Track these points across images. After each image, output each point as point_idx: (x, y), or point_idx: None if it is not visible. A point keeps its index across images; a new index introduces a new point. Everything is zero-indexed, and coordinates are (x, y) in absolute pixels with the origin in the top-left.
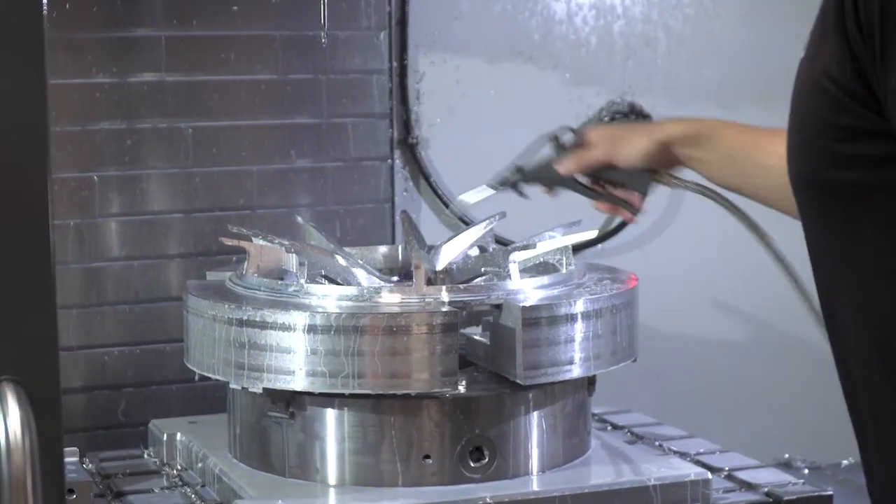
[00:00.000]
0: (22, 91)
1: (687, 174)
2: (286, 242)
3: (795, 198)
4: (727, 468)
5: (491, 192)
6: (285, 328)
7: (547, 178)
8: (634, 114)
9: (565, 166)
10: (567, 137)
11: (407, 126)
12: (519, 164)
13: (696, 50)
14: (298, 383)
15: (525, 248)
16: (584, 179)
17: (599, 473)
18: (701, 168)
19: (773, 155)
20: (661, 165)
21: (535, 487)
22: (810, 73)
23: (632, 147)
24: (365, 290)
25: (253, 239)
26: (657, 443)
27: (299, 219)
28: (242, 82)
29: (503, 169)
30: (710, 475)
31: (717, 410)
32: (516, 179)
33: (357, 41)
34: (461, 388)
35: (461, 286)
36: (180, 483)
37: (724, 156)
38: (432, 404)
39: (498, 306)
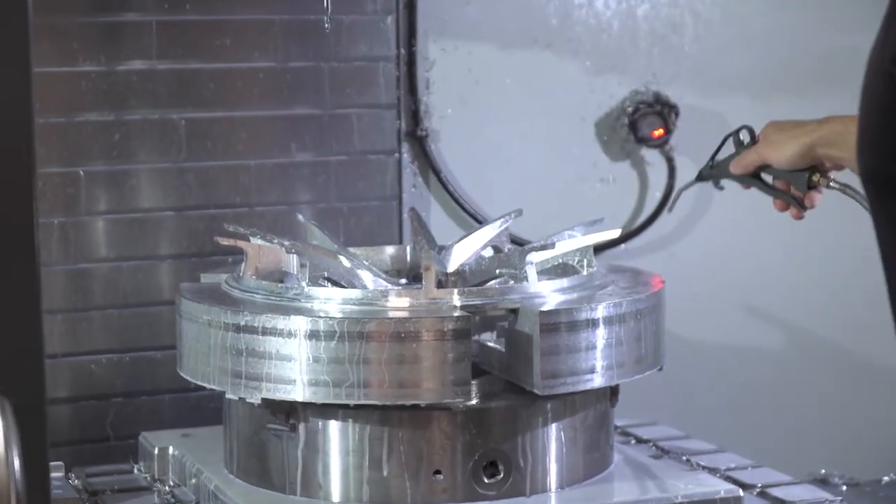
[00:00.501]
0: (4, 81)
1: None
2: (286, 242)
3: (865, 193)
4: (759, 485)
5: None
6: (285, 334)
7: (728, 174)
8: (660, 104)
9: (733, 166)
10: (744, 135)
11: (415, 117)
12: (713, 160)
13: (726, 35)
14: (299, 393)
15: (543, 248)
16: (768, 178)
17: (622, 490)
18: (845, 165)
19: None
20: (815, 166)
21: None
22: (878, 60)
23: (779, 150)
24: (371, 294)
25: (251, 238)
26: (684, 457)
27: (300, 217)
28: (239, 70)
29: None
30: (741, 492)
31: (748, 423)
32: (709, 175)
33: (362, 26)
34: (474, 399)
35: (474, 289)
36: (172, 500)
37: None
38: (443, 416)
39: (514, 311)
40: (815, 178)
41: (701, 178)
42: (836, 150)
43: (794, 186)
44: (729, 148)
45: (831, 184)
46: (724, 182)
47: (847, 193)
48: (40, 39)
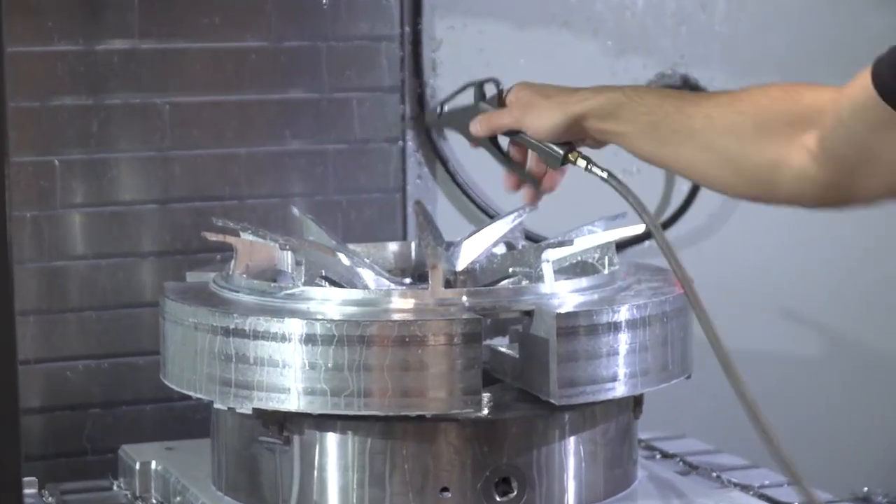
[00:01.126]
0: None
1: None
2: (280, 238)
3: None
4: None
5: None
6: (279, 338)
7: (464, 130)
8: (688, 88)
9: (475, 125)
10: (491, 90)
11: (421, 102)
12: (442, 105)
13: (761, 14)
14: (294, 403)
15: (560, 245)
16: (505, 143)
17: None
18: (619, 141)
19: (699, 116)
20: (575, 140)
21: None
22: None
23: (542, 117)
24: (372, 294)
25: (241, 234)
26: (714, 474)
27: (295, 210)
28: (229, 51)
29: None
30: None
31: (784, 436)
32: (435, 123)
33: (363, 3)
34: (485, 410)
35: (485, 289)
36: None
37: (644, 123)
38: (451, 428)
39: (528, 313)
40: (573, 155)
41: (424, 124)
42: (615, 122)
43: (546, 161)
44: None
45: (592, 167)
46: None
47: (607, 181)
48: (12, 16)
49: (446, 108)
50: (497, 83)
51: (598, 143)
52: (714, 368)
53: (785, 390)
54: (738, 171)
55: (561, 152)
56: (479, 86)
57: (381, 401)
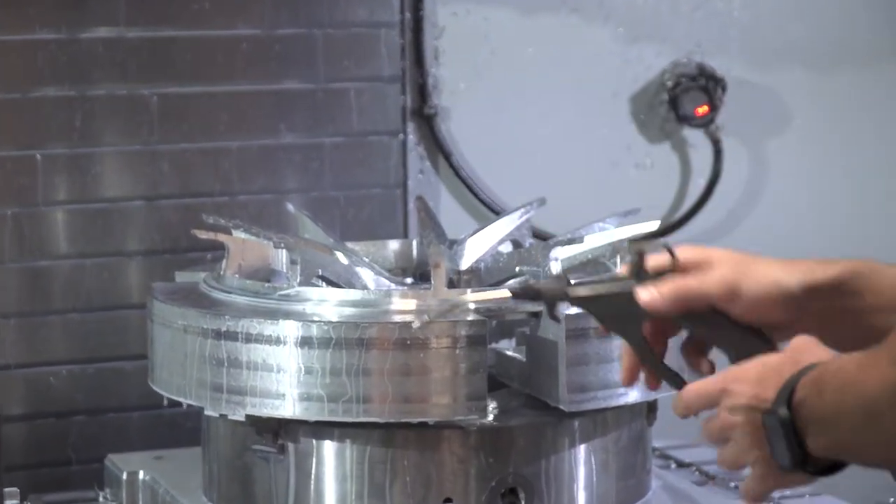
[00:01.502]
0: None
1: None
2: (274, 236)
3: None
4: None
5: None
6: (273, 341)
7: (607, 307)
8: (704, 77)
9: (651, 295)
10: (655, 249)
11: (423, 93)
12: (561, 274)
13: None
14: (289, 409)
15: (570, 242)
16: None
17: None
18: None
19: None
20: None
21: None
22: None
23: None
24: (372, 295)
25: (233, 231)
26: (732, 483)
27: (290, 207)
28: (220, 39)
29: (527, 274)
30: None
31: None
32: (555, 293)
33: None
34: (490, 416)
35: (490, 290)
36: None
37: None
38: (455, 436)
39: (536, 315)
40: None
41: (535, 294)
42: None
43: (733, 353)
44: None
45: None
46: (760, 176)
47: None
48: None
49: (574, 276)
50: (662, 238)
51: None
52: None
53: None
54: None
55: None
56: (638, 244)
57: (380, 407)
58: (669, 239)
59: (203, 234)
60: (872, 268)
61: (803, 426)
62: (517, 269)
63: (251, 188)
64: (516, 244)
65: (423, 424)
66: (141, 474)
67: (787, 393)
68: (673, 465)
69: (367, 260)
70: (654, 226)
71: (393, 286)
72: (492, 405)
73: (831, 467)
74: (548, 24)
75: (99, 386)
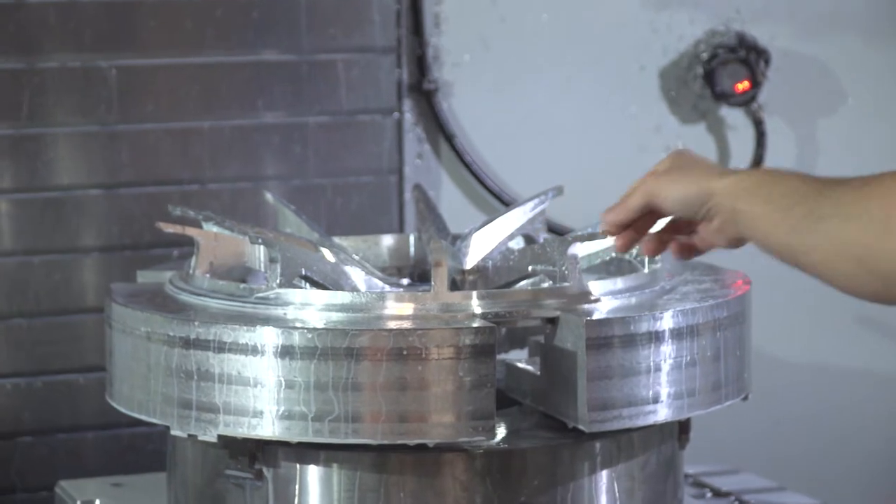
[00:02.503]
0: None
1: None
2: (251, 230)
3: None
4: None
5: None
6: (250, 351)
7: None
8: (745, 49)
9: (604, 216)
10: None
11: (422, 66)
12: None
13: None
14: (268, 429)
15: (591, 237)
16: None
17: None
18: (750, 227)
19: (829, 202)
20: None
21: None
22: None
23: (674, 189)
24: (362, 298)
25: (203, 224)
26: None
27: (269, 196)
28: (189, 3)
29: None
30: None
31: (860, 471)
32: None
33: None
34: (499, 438)
35: (499, 292)
36: None
37: (778, 206)
38: (458, 460)
39: (552, 321)
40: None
41: None
42: (746, 202)
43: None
44: None
45: None
46: (808, 161)
47: None
48: None
49: None
50: None
51: (729, 240)
52: (776, 388)
53: (863, 413)
54: (871, 272)
55: None
56: None
57: (373, 427)
58: None
59: (169, 228)
60: (773, 176)
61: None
62: (530, 268)
63: (224, 175)
64: (529, 240)
65: (422, 447)
66: (97, 503)
67: None
68: (708, 494)
69: (357, 257)
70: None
71: (387, 288)
72: (500, 425)
73: None
74: None
75: (48, 402)
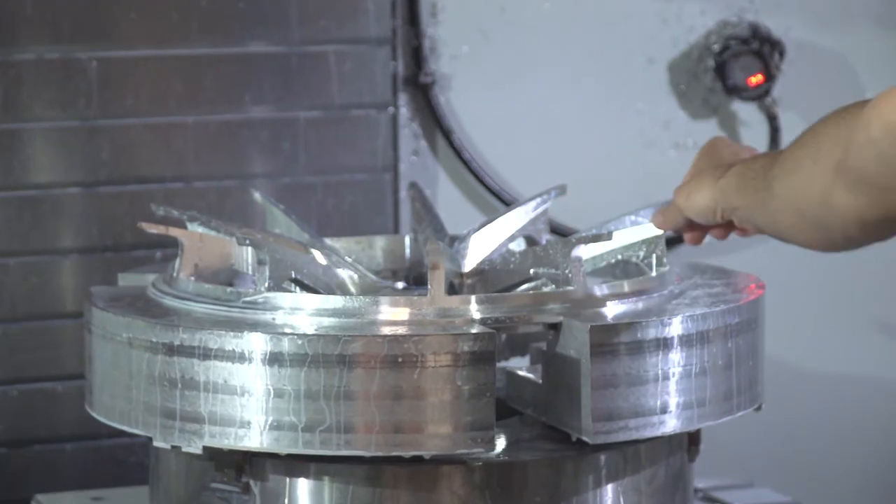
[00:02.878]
0: None
1: None
2: (238, 231)
3: None
4: None
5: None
6: (237, 358)
7: None
8: (758, 40)
9: (655, 218)
10: None
11: (418, 58)
12: None
13: None
14: (256, 440)
15: (596, 239)
16: None
17: None
18: (742, 219)
19: (777, 165)
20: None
21: None
22: None
23: (696, 198)
24: (355, 302)
25: (188, 225)
26: None
27: (257, 195)
28: None
29: None
30: None
31: (881, 487)
32: None
33: None
34: (499, 450)
35: (500, 296)
36: None
37: (750, 190)
38: (456, 473)
39: (555, 326)
40: None
41: None
42: (735, 197)
43: None
44: None
45: None
46: None
47: None
48: None
49: None
50: None
51: (743, 230)
52: (791, 399)
53: (885, 422)
54: (809, 221)
55: None
56: None
57: (366, 438)
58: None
59: (152, 228)
60: (747, 163)
61: None
62: (531, 271)
63: (210, 172)
64: (531, 241)
65: (418, 459)
66: None
67: None
68: None
69: (349, 260)
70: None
71: (381, 291)
72: (500, 436)
73: None
74: None
75: (24, 412)
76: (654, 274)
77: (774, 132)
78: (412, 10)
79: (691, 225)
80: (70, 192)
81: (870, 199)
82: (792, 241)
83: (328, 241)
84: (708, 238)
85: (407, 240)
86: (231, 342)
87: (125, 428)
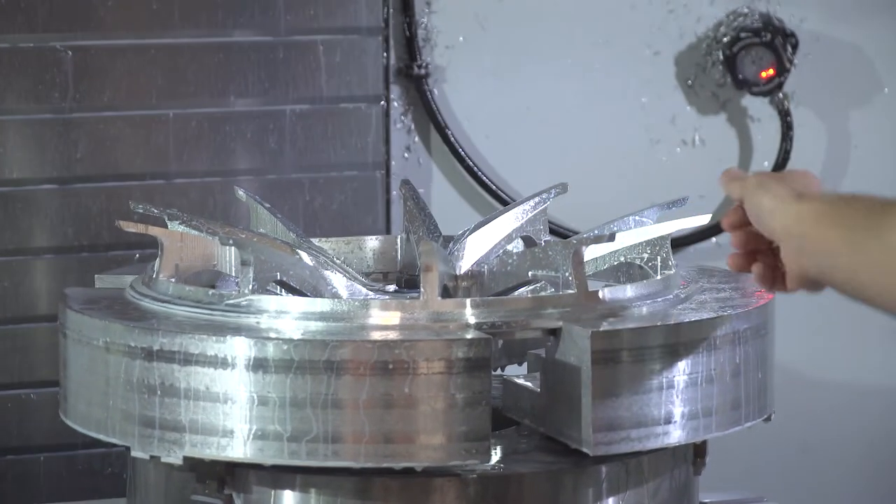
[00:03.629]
0: None
1: None
2: (220, 230)
3: None
4: None
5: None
6: (219, 363)
7: None
8: (770, 32)
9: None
10: None
11: (411, 48)
12: None
13: None
14: (239, 450)
15: (597, 240)
16: None
17: None
18: (822, 269)
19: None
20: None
21: None
22: None
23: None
24: (344, 305)
25: (168, 223)
26: None
27: (241, 193)
28: None
29: None
30: None
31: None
32: None
33: None
34: (494, 461)
35: (496, 300)
36: None
37: (842, 235)
38: (450, 486)
39: (554, 332)
40: None
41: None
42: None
43: None
44: None
45: None
46: (839, 156)
47: None
48: None
49: None
50: None
51: (798, 275)
52: (803, 409)
53: None
54: None
55: None
56: None
57: (355, 448)
58: (723, 239)
59: (130, 227)
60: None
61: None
62: (530, 273)
63: (192, 168)
64: (529, 242)
65: (409, 471)
66: None
67: None
68: None
69: (338, 261)
70: (704, 219)
71: (371, 294)
72: (496, 447)
73: None
74: None
75: None
76: (658, 277)
77: (787, 129)
78: None
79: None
80: (44, 189)
81: None
82: (875, 300)
83: (316, 241)
84: (714, 239)
85: (399, 240)
86: (213, 347)
87: (101, 437)
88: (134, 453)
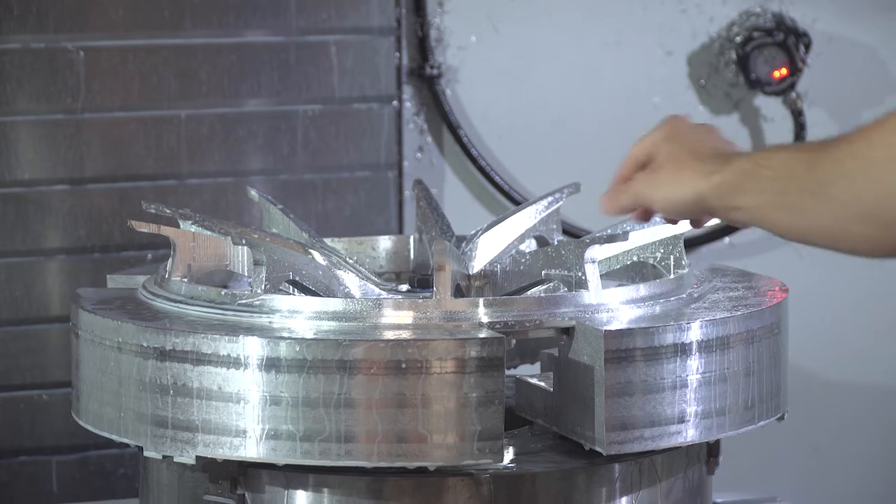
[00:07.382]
0: None
1: None
2: (233, 230)
3: None
4: None
5: None
6: (232, 363)
7: None
8: (783, 32)
9: (603, 202)
10: None
11: (423, 49)
12: None
13: None
14: (252, 450)
15: (610, 240)
16: None
17: None
18: (749, 218)
19: (830, 166)
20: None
21: None
22: None
23: (671, 191)
24: (357, 305)
25: (181, 223)
26: None
27: (254, 193)
28: None
29: None
30: None
31: None
32: None
33: None
34: (507, 460)
35: (509, 299)
36: None
37: (771, 191)
38: (463, 485)
39: (567, 331)
40: None
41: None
42: (740, 197)
43: None
44: None
45: None
46: None
47: None
48: None
49: None
50: None
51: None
52: (816, 408)
53: None
54: (882, 224)
55: None
56: None
57: (368, 448)
58: (736, 239)
59: (142, 227)
60: (757, 161)
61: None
62: (543, 273)
63: (204, 169)
64: (542, 242)
65: (422, 471)
66: None
67: None
68: None
69: (351, 261)
70: (716, 220)
71: (384, 294)
72: (509, 447)
73: None
74: None
75: (8, 421)
76: (671, 276)
77: (799, 129)
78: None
79: (645, 211)
80: (56, 190)
81: None
82: (849, 244)
83: (328, 241)
84: (727, 239)
85: (411, 240)
86: (226, 347)
87: (114, 437)
88: (146, 453)
